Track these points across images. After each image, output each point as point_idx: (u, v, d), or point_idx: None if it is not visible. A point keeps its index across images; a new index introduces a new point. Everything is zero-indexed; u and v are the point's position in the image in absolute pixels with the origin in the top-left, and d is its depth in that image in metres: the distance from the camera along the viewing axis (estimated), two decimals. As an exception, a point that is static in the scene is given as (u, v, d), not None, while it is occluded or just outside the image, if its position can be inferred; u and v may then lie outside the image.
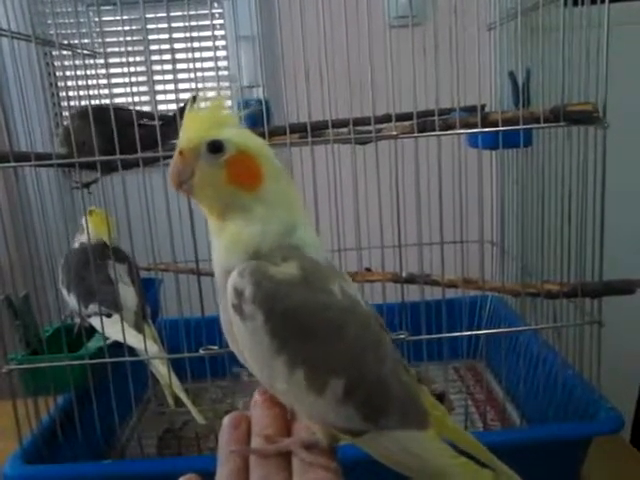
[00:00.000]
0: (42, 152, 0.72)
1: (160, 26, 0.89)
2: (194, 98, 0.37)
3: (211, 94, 0.37)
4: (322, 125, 0.71)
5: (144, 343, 0.76)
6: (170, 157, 0.36)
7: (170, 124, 0.79)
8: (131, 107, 0.78)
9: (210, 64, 0.86)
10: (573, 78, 0.67)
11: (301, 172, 0.70)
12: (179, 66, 0.77)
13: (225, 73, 1.49)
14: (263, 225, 0.36)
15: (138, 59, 0.95)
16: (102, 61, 0.95)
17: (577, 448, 0.68)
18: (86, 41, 0.89)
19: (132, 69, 0.73)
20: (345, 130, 0.71)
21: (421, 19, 1.33)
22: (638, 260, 1.23)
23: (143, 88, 0.82)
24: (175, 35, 0.84)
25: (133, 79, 0.73)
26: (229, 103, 0.71)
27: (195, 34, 0.80)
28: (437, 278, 0.77)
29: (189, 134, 0.36)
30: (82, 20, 0.86)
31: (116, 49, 1.05)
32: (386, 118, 0.73)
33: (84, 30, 0.88)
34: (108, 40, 0.84)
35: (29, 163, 0.69)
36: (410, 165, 0.73)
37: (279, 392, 0.36)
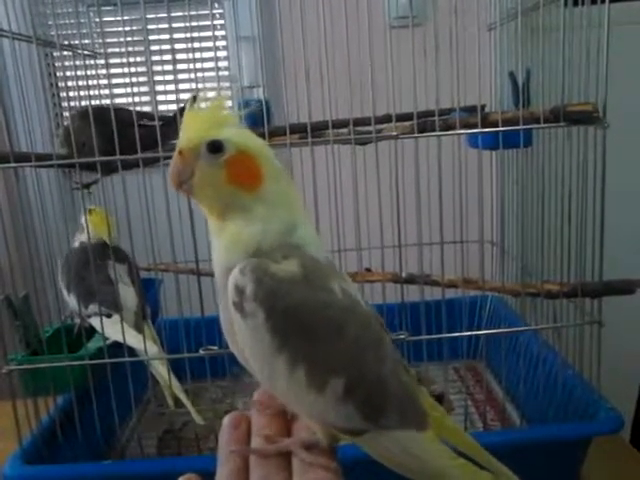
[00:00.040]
0: (42, 153, 0.72)
1: (161, 26, 0.89)
2: (194, 98, 0.37)
3: (211, 94, 0.37)
4: (322, 125, 0.71)
5: (144, 343, 0.76)
6: (170, 157, 0.36)
7: (170, 124, 0.79)
8: (131, 107, 0.78)
9: (211, 64, 0.86)
10: (573, 78, 0.67)
11: (301, 172, 0.70)
12: (180, 66, 0.77)
13: (226, 73, 1.49)
14: (264, 224, 0.36)
15: (139, 59, 0.95)
16: (103, 61, 0.95)
17: (577, 448, 0.68)
18: (87, 42, 0.89)
19: (133, 69, 0.73)
20: (345, 130, 0.71)
21: (421, 19, 1.33)
22: (638, 260, 1.23)
23: (144, 88, 0.82)
24: (176, 35, 0.85)
25: (134, 79, 0.73)
26: (229, 103, 0.71)
27: (196, 34, 0.80)
28: (437, 278, 0.77)
29: (189, 134, 0.36)
30: (83, 21, 0.86)
31: (117, 49, 1.05)
32: (386, 118, 0.73)
33: (85, 31, 0.88)
34: (109, 40, 0.84)
35: (29, 164, 0.69)
36: (410, 165, 0.73)
37: (279, 391, 0.36)
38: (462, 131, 0.69)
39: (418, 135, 0.70)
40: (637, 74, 1.45)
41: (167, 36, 0.74)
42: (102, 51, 0.93)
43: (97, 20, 0.79)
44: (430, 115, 0.71)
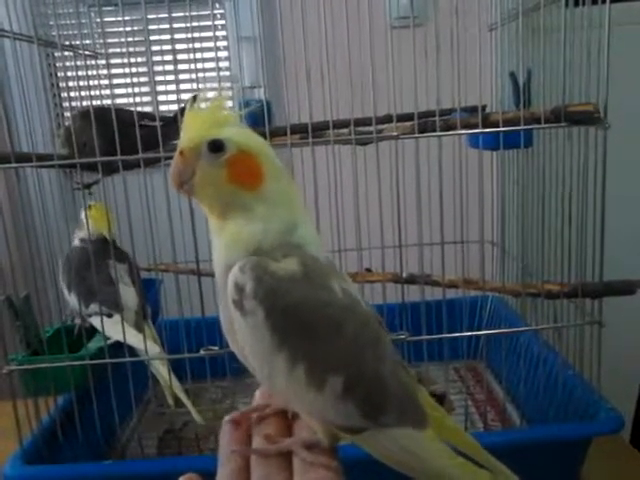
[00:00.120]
0: (43, 153, 0.72)
1: (162, 27, 0.89)
2: (194, 98, 0.37)
3: (211, 94, 0.37)
4: (323, 126, 0.71)
5: (144, 343, 0.76)
6: (171, 158, 0.36)
7: (170, 125, 0.79)
8: (132, 108, 0.78)
9: (212, 65, 0.87)
10: (574, 79, 0.67)
11: (302, 173, 0.70)
12: (180, 67, 0.77)
13: (227, 74, 1.50)
14: (264, 224, 0.36)
15: (140, 60, 0.95)
16: (104, 62, 0.96)
17: (577, 448, 0.68)
18: (88, 42, 0.89)
19: (134, 70, 0.74)
20: (346, 131, 0.71)
21: (422, 20, 1.33)
22: (638, 261, 1.23)
23: (145, 89, 0.83)
24: (177, 36, 0.85)
25: (135, 80, 0.73)
26: (230, 103, 0.71)
27: (197, 35, 0.80)
28: (437, 278, 0.77)
29: (190, 134, 0.36)
30: (84, 21, 0.86)
31: (118, 50, 1.05)
32: (387, 119, 0.73)
33: (86, 31, 0.88)
34: (110, 41, 0.85)
35: (30, 164, 0.69)
36: (411, 166, 0.73)
37: (279, 389, 0.36)
38: (463, 131, 0.69)
39: (419, 135, 0.70)
40: (638, 74, 1.44)
41: (168, 36, 0.74)
42: (103, 51, 0.93)
43: (98, 20, 0.79)
44: (431, 115, 0.71)
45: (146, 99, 0.86)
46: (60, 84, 1.55)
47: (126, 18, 0.68)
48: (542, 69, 0.74)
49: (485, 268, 0.79)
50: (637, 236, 1.54)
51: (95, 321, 0.80)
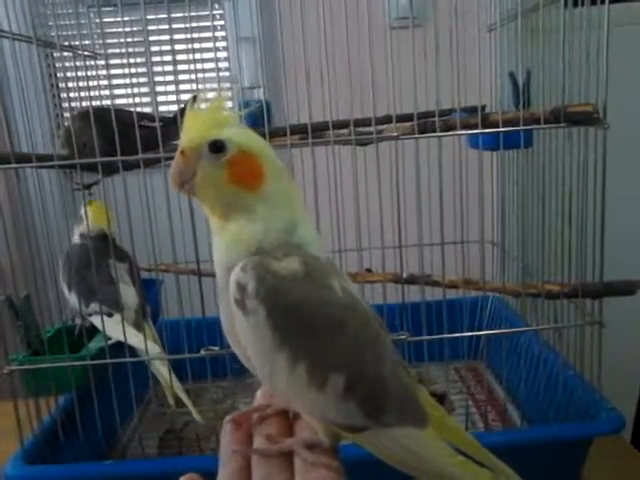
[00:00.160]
0: (43, 153, 0.72)
1: (161, 27, 0.89)
2: (194, 98, 0.37)
3: (211, 94, 0.37)
4: (323, 126, 0.71)
5: (145, 343, 0.76)
6: (171, 158, 0.37)
7: (170, 125, 0.79)
8: (132, 108, 0.78)
9: (211, 65, 0.87)
10: (573, 79, 0.67)
11: (302, 173, 0.71)
12: (180, 67, 0.77)
13: (226, 74, 1.50)
14: (265, 224, 0.36)
15: (139, 60, 0.95)
16: (103, 62, 0.96)
17: (578, 448, 0.68)
18: (87, 42, 0.89)
19: (133, 70, 0.74)
20: (346, 131, 0.71)
21: (422, 20, 1.33)
22: (638, 261, 1.23)
23: (144, 89, 0.83)
24: (176, 36, 0.85)
25: (134, 80, 0.73)
26: (229, 103, 0.71)
27: (196, 35, 0.80)
28: (438, 279, 0.77)
29: (191, 134, 0.36)
30: (83, 21, 0.87)
31: (117, 50, 1.05)
32: (387, 119, 0.73)
33: (85, 31, 0.88)
34: (109, 41, 0.85)
35: (30, 164, 0.69)
36: (411, 166, 0.73)
37: (280, 389, 0.36)
38: (462, 132, 0.69)
39: (418, 136, 0.70)
40: (637, 75, 1.45)
41: (167, 37, 0.74)
42: (102, 52, 0.93)
43: (97, 21, 0.79)
44: (430, 116, 0.71)
45: (145, 99, 0.86)
46: (59, 85, 1.55)
47: (125, 19, 0.68)
48: (541, 69, 0.74)
49: (485, 268, 0.80)
50: (637, 236, 1.54)
51: (95, 320, 0.80)
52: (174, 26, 0.72)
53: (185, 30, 0.72)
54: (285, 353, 0.34)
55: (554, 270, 0.77)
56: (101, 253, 0.82)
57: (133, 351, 0.78)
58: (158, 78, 0.89)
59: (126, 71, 0.73)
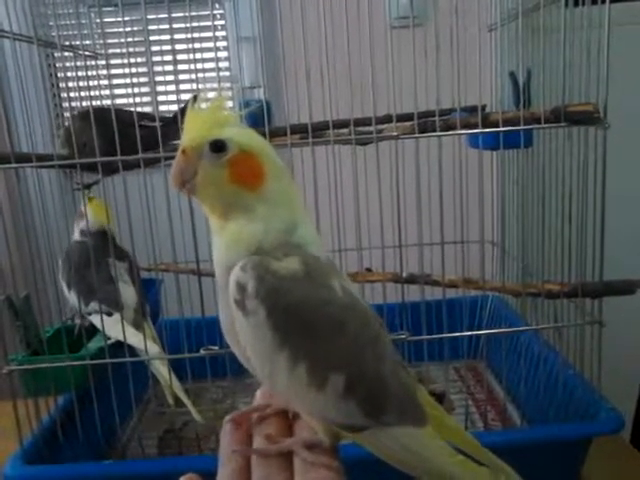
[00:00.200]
0: (43, 153, 0.72)
1: (161, 27, 0.89)
2: (195, 98, 0.37)
3: (212, 94, 0.37)
4: (323, 126, 0.71)
5: (144, 343, 0.76)
6: (171, 158, 0.37)
7: (170, 125, 0.79)
8: (132, 108, 0.78)
9: (211, 65, 0.87)
10: (574, 79, 0.67)
11: (302, 173, 0.71)
12: (180, 67, 0.77)
13: (226, 74, 1.50)
14: (265, 224, 0.36)
15: (139, 60, 0.95)
16: (103, 62, 0.96)
17: (578, 448, 0.68)
18: (87, 42, 0.89)
19: (133, 70, 0.74)
20: (346, 131, 0.71)
21: (422, 20, 1.33)
22: (638, 261, 1.23)
23: (144, 89, 0.83)
24: (176, 36, 0.85)
25: (134, 80, 0.73)
26: (230, 103, 0.71)
27: (196, 35, 0.80)
28: (438, 278, 0.77)
29: (192, 134, 0.36)
30: (83, 21, 0.86)
31: (117, 50, 1.05)
32: (387, 119, 0.73)
33: (85, 31, 0.88)
34: (109, 41, 0.85)
35: (30, 164, 0.69)
36: (411, 165, 0.73)
37: (280, 389, 0.36)
38: (463, 131, 0.69)
39: (419, 135, 0.70)
40: (638, 74, 1.44)
41: (168, 37, 0.74)
42: (103, 52, 0.93)
43: (98, 21, 0.79)
44: (431, 115, 0.71)
45: (146, 99, 0.86)
46: (60, 84, 1.55)
47: (126, 18, 0.68)
48: (542, 69, 0.74)
49: (485, 268, 0.80)
50: (637, 236, 1.54)
51: (95, 319, 0.80)
52: (174, 26, 0.72)
53: (185, 30, 0.72)
54: (285, 353, 0.34)
55: (554, 270, 0.77)
56: (101, 252, 0.82)
57: (133, 351, 0.78)
58: (158, 78, 0.89)
59: (127, 71, 0.73)
